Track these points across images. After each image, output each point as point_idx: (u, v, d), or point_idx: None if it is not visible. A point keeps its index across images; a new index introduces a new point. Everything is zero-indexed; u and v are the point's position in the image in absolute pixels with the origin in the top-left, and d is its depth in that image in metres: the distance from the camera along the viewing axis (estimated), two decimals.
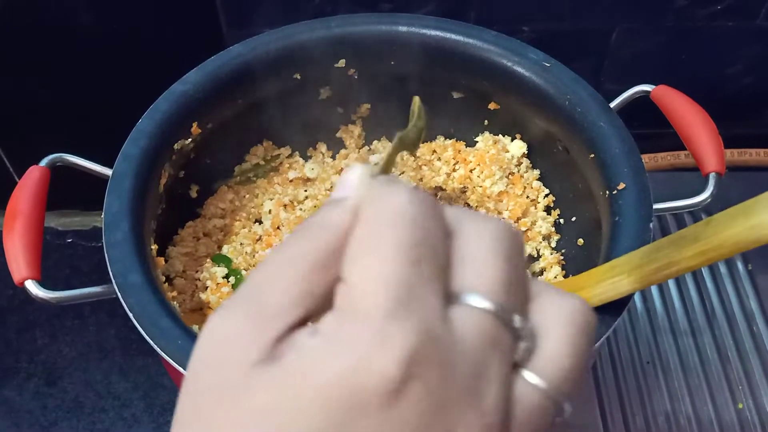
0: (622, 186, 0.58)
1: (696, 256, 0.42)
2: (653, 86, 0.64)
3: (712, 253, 0.41)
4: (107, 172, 0.59)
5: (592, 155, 0.62)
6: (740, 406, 0.74)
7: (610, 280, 0.47)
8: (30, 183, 0.56)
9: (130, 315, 0.49)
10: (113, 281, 0.51)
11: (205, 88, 0.64)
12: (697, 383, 0.75)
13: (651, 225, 0.55)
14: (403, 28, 0.69)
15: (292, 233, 0.23)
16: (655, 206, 0.57)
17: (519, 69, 0.66)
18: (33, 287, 0.52)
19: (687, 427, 0.73)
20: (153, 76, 0.64)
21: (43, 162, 0.59)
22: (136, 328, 0.50)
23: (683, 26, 0.82)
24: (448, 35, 0.68)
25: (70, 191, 0.74)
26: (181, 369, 0.46)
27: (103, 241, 0.53)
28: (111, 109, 0.65)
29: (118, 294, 0.51)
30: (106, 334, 0.86)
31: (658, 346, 0.78)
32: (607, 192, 0.59)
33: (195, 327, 0.56)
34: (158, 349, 0.48)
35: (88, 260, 0.93)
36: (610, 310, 0.50)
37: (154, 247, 0.59)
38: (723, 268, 0.84)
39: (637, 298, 0.82)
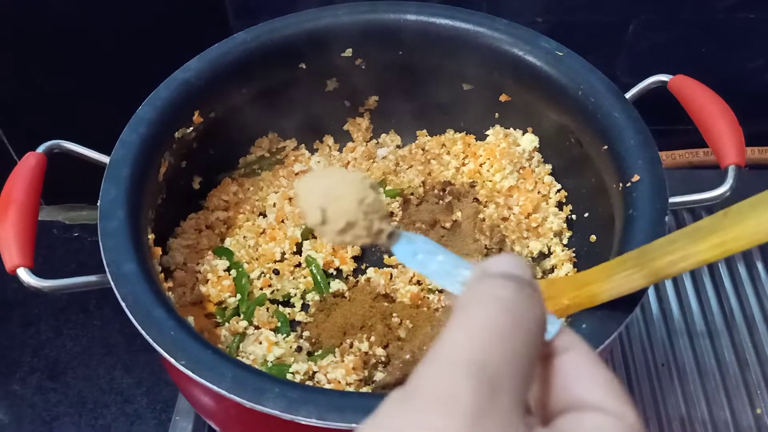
0: (636, 178, 0.56)
1: (712, 249, 0.40)
2: (671, 76, 0.62)
3: (730, 245, 0.39)
4: (105, 159, 0.57)
5: (606, 147, 0.60)
6: (758, 411, 0.71)
7: (622, 274, 0.45)
8: (25, 170, 0.55)
9: (123, 305, 0.48)
10: (107, 270, 0.50)
11: (207, 75, 0.63)
12: (713, 387, 0.73)
13: (666, 219, 0.53)
14: (411, 17, 0.68)
15: None
16: (671, 200, 0.55)
17: (530, 58, 0.65)
18: (25, 275, 0.51)
19: None
20: (159, 65, 0.63)
21: (40, 148, 0.58)
22: None
23: (702, 18, 0.79)
24: (457, 23, 0.67)
25: (75, 184, 0.73)
26: (172, 359, 0.45)
27: (98, 228, 0.52)
28: (118, 98, 0.65)
29: (111, 283, 0.49)
30: (111, 329, 0.85)
31: (673, 348, 0.76)
32: (621, 185, 0.57)
33: (190, 318, 0.55)
34: (150, 340, 0.46)
35: (95, 254, 0.91)
36: (622, 306, 0.48)
37: (151, 236, 0.58)
38: (742, 269, 0.81)
39: (652, 298, 0.80)
